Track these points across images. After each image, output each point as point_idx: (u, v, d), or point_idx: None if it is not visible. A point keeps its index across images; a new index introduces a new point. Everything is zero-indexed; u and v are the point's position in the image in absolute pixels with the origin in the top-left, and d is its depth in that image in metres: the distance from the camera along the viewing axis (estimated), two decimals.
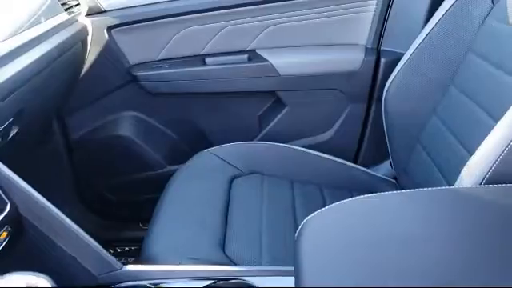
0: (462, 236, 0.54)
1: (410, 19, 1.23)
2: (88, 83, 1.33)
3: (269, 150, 1.24)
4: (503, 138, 0.65)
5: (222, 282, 0.67)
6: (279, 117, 1.39)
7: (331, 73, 1.31)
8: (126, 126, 1.42)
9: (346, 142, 1.38)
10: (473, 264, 0.49)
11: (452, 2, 1.03)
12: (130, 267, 0.70)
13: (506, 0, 0.92)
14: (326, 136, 1.40)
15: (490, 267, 0.49)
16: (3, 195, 0.63)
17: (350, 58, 1.30)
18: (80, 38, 1.19)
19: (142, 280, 0.68)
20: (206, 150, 1.24)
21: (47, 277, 0.48)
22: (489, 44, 0.93)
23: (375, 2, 1.27)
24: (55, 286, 0.48)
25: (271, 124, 1.40)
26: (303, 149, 1.25)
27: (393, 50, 1.28)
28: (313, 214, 0.60)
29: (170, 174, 1.18)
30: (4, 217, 0.61)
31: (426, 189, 0.65)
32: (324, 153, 1.26)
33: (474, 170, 0.67)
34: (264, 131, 1.41)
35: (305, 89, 1.34)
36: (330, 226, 0.59)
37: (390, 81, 1.12)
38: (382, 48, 1.32)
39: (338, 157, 1.26)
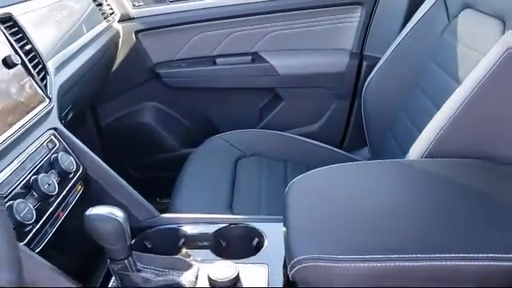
0: (397, 189, 0.78)
1: (387, 30, 1.45)
2: (117, 78, 1.56)
3: (267, 136, 1.46)
4: (438, 125, 0.88)
5: (232, 225, 0.91)
6: (277, 109, 1.62)
7: (321, 73, 1.54)
8: (148, 114, 1.65)
9: (333, 131, 1.61)
10: (400, 204, 0.73)
11: (419, 17, 1.25)
12: (165, 215, 0.94)
13: (457, 19, 1.14)
14: (316, 126, 1.63)
15: (411, 206, 0.72)
16: (77, 160, 0.87)
17: (338, 61, 1.53)
18: (114, 41, 1.42)
19: (172, 224, 0.92)
20: (216, 136, 1.45)
21: (120, 209, 0.71)
22: (443, 54, 1.16)
23: (359, 14, 1.50)
24: (125, 215, 0.71)
25: (270, 115, 1.63)
26: (296, 136, 1.47)
27: (373, 54, 1.50)
28: (298, 177, 0.84)
29: (185, 156, 1.40)
30: (79, 175, 0.85)
31: (380, 160, 0.89)
32: (314, 140, 1.48)
33: (417, 148, 0.90)
34: (264, 121, 1.64)
35: (299, 86, 1.57)
36: (309, 184, 0.82)
37: (368, 80, 1.34)
38: (364, 53, 1.54)
39: (326, 143, 1.46)
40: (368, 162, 0.88)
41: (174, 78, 1.58)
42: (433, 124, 0.90)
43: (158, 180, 1.68)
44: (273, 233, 0.88)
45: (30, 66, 0.84)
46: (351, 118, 1.59)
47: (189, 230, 0.91)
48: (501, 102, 0.83)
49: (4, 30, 0.81)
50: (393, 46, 1.29)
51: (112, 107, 1.61)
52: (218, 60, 1.57)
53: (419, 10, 1.27)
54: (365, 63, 1.51)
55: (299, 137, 1.47)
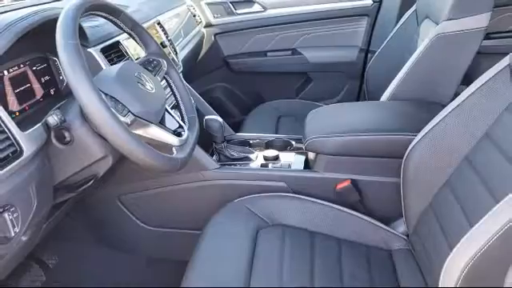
0: (368, 111, 1.38)
1: (384, 33, 2.05)
2: (200, 65, 2.23)
3: (299, 104, 2.07)
4: (397, 81, 1.47)
5: (276, 139, 1.54)
6: (308, 87, 2.26)
7: (339, 62, 2.17)
8: (219, 91, 2.34)
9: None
10: (367, 115, 1.34)
11: (400, 24, 1.83)
12: (238, 134, 1.60)
13: (421, 25, 1.73)
14: (335, 100, 2.25)
15: (372, 116, 1.33)
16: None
17: (351, 54, 2.15)
18: (201, 40, 2.11)
19: (242, 138, 1.57)
20: (266, 103, 2.09)
21: (219, 117, 1.36)
22: (412, 46, 1.74)
23: (366, 22, 2.12)
24: (222, 120, 1.36)
25: (303, 92, 2.28)
26: (320, 103, 2.09)
27: (376, 49, 2.10)
28: (313, 110, 1.46)
29: (242, 120, 2.04)
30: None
31: (364, 101, 1.50)
32: None
33: (385, 95, 1.50)
34: (298, 97, 2.29)
35: (323, 71, 2.20)
36: (320, 111, 1.44)
37: (368, 66, 1.94)
38: (370, 49, 2.15)
39: None
40: (358, 102, 1.49)
41: (238, 66, 2.25)
42: (394, 82, 1.50)
43: None
44: (299, 142, 1.52)
45: (170, 46, 1.52)
46: (360, 94, 2.19)
47: (251, 140, 1.56)
48: (429, 68, 1.42)
49: (159, 29, 1.50)
50: (384, 43, 1.89)
51: (196, 85, 2.29)
52: (269, 53, 2.24)
53: (402, 18, 1.86)
54: (369, 55, 2.12)
55: (322, 104, 2.08)
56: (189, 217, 1.39)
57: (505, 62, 1.00)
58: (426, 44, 1.41)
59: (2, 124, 0.76)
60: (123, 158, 1.00)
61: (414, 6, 1.77)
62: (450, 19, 1.36)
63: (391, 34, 1.85)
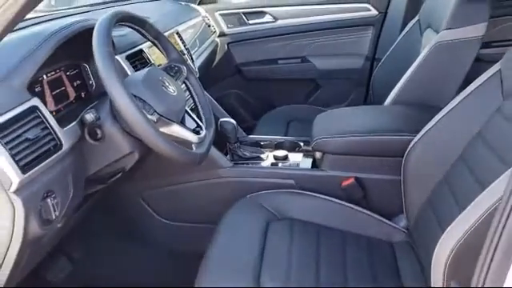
0: (371, 113, 1.47)
1: (389, 41, 2.13)
2: (214, 72, 2.33)
3: (308, 109, 2.16)
4: (399, 87, 1.56)
5: (284, 141, 1.63)
6: (316, 94, 2.35)
7: (346, 69, 2.26)
8: (232, 97, 2.44)
9: None
10: (370, 116, 1.43)
11: (403, 34, 1.91)
12: (250, 136, 1.69)
13: (424, 34, 1.82)
14: (342, 105, 2.32)
15: (375, 118, 1.42)
16: None
17: (357, 62, 2.24)
18: (215, 49, 2.22)
19: (253, 140, 1.66)
20: (276, 109, 2.19)
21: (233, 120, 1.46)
22: (415, 55, 1.82)
23: (371, 31, 2.21)
24: (235, 122, 1.46)
25: (312, 98, 2.37)
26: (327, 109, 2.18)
27: (381, 57, 2.18)
28: (320, 114, 1.55)
29: (254, 125, 2.13)
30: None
31: (370, 106, 1.59)
32: None
33: (388, 99, 1.59)
34: (307, 102, 2.37)
35: (331, 78, 2.29)
36: (327, 114, 1.54)
37: (374, 73, 2.03)
38: (375, 56, 2.24)
39: None
40: (363, 106, 1.58)
41: (250, 73, 2.36)
42: (396, 87, 1.59)
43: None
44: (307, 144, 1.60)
45: (188, 54, 1.63)
46: (366, 99, 2.28)
47: (262, 142, 1.65)
48: (429, 74, 1.51)
49: (178, 38, 1.61)
50: (388, 51, 1.96)
51: (210, 92, 2.39)
52: (279, 61, 2.34)
53: (404, 29, 1.94)
54: (375, 63, 2.20)
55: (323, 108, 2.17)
56: (204, 212, 1.49)
57: (496, 67, 1.08)
58: (427, 52, 1.50)
59: (45, 121, 0.87)
60: (148, 154, 1.10)
61: (418, 16, 1.85)
62: (449, 28, 1.45)
63: (395, 43, 1.93)
